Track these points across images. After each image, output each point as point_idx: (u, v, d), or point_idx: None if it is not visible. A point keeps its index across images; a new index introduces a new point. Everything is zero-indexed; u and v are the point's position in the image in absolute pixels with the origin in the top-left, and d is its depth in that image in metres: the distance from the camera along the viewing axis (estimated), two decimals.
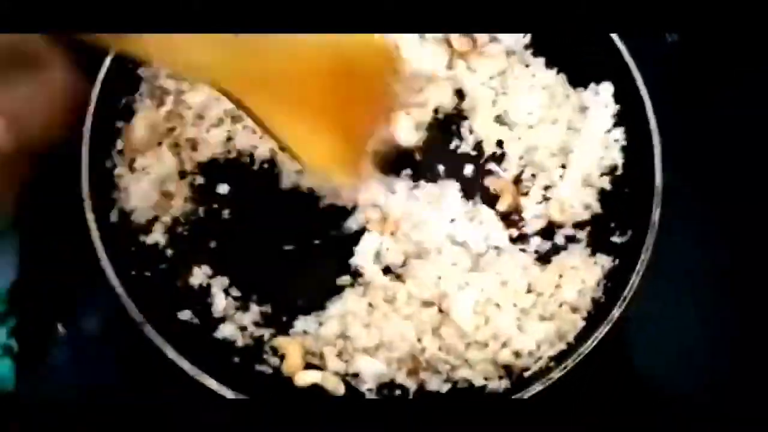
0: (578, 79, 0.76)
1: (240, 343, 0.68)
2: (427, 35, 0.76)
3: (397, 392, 0.66)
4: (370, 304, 0.67)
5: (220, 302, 0.68)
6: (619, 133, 0.73)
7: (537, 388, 0.60)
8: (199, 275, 0.69)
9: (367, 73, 0.62)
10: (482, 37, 0.76)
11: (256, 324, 0.69)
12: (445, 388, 0.65)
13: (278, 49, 0.56)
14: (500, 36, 0.77)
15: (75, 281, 0.71)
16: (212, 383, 0.59)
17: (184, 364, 0.60)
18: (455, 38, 0.76)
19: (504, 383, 0.64)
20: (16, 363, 0.68)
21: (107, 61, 0.67)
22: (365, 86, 0.62)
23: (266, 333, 0.68)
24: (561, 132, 0.74)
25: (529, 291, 0.68)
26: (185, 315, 0.67)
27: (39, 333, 0.70)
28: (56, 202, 0.69)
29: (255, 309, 0.69)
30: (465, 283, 0.67)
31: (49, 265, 0.73)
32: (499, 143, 0.75)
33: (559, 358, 0.63)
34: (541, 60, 0.78)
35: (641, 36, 0.72)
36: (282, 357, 0.67)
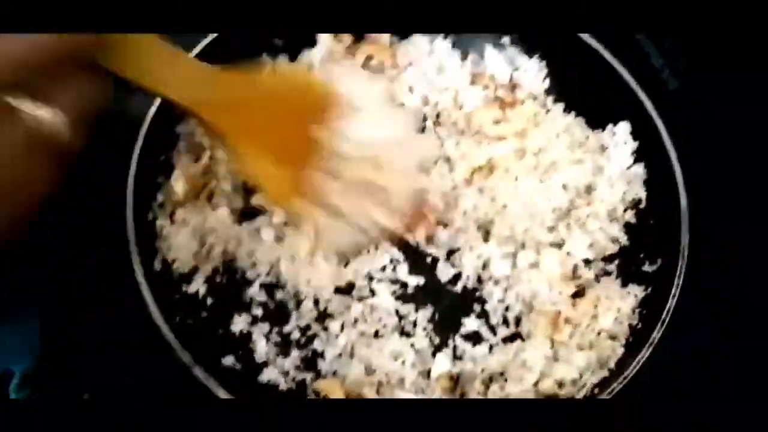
0: (596, 121, 0.79)
1: (283, 386, 0.68)
2: None
3: None
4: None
5: (261, 348, 0.69)
6: (639, 168, 0.76)
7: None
8: (239, 322, 0.70)
9: (310, 109, 0.66)
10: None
11: (297, 368, 0.69)
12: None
13: (247, 83, 0.61)
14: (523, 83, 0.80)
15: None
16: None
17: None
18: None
19: None
20: None
21: (148, 117, 0.71)
22: (306, 121, 0.66)
23: (308, 377, 0.69)
24: (586, 172, 0.77)
25: (566, 322, 0.69)
26: (229, 361, 0.68)
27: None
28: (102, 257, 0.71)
29: (295, 353, 0.70)
30: None
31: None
32: None
33: (603, 384, 0.64)
34: (561, 105, 0.81)
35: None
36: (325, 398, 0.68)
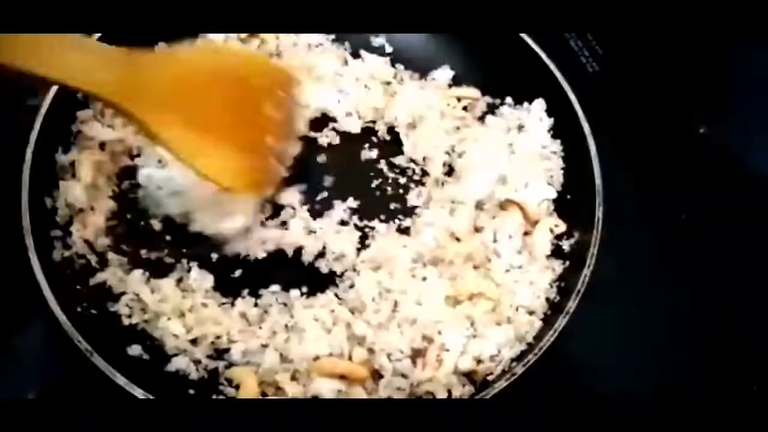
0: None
1: (194, 376, 0.65)
2: None
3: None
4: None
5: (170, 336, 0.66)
6: (556, 145, 0.76)
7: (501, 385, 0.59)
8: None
9: (256, 88, 0.64)
10: None
11: (209, 356, 0.66)
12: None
13: (168, 63, 0.58)
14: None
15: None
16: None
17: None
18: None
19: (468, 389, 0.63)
20: None
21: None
22: (255, 102, 0.64)
23: (220, 365, 0.66)
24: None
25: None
26: (135, 350, 0.65)
27: None
28: None
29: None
30: None
31: None
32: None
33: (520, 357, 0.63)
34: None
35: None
36: (237, 387, 0.65)
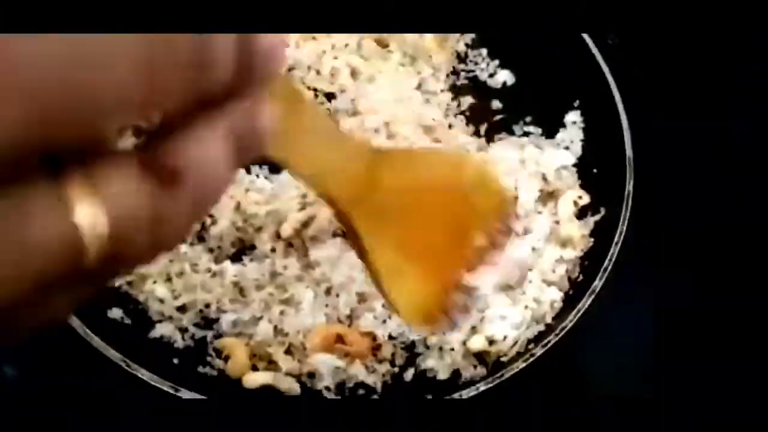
0: None
1: (179, 344, 0.60)
2: None
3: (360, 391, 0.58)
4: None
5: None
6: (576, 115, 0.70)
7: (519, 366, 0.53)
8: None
9: (475, 211, 0.50)
10: None
11: (197, 325, 0.61)
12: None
13: (407, 166, 0.46)
14: None
15: None
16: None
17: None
18: None
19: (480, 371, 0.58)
20: None
21: None
22: (469, 226, 0.50)
23: (209, 334, 0.60)
24: None
25: None
26: (116, 314, 0.59)
27: None
28: None
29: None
30: None
31: None
32: None
33: (539, 338, 0.57)
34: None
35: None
36: (226, 359, 0.59)
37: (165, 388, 0.52)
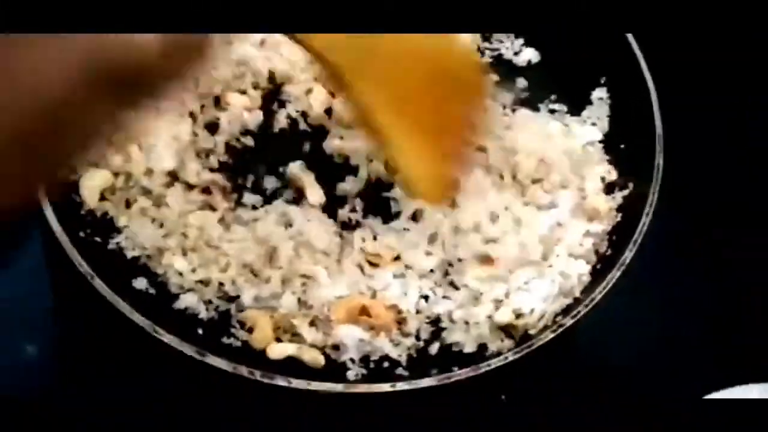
0: None
1: (203, 315, 0.59)
2: None
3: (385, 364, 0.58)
4: None
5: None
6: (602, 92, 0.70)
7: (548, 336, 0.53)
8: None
9: (466, 86, 0.56)
10: None
11: (220, 297, 0.60)
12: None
13: (395, 48, 0.50)
14: None
15: None
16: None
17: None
18: None
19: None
20: None
21: None
22: (462, 101, 0.56)
23: (232, 307, 0.60)
24: None
25: None
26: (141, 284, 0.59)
27: None
28: None
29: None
30: None
31: None
32: None
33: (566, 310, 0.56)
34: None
35: None
36: (250, 330, 0.59)
37: (191, 353, 0.52)
